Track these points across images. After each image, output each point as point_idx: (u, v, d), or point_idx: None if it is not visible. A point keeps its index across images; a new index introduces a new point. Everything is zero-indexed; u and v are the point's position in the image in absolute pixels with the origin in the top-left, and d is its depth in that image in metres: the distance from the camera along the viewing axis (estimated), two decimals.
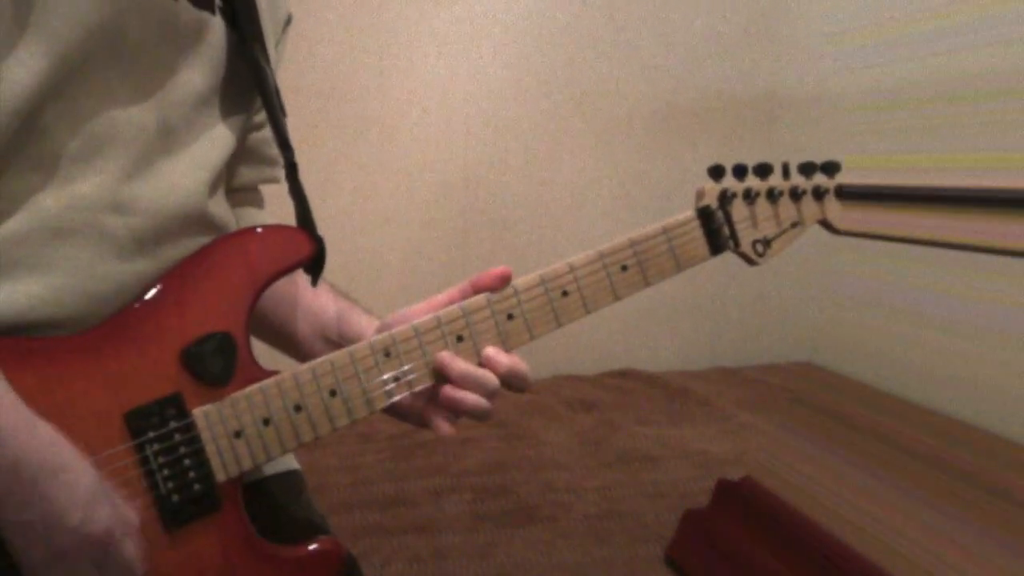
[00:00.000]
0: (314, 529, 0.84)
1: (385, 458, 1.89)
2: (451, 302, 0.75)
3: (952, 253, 1.99)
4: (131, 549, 0.62)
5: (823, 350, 2.59)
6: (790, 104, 2.75)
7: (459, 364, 0.73)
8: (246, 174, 0.87)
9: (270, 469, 0.85)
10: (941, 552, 1.27)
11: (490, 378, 0.72)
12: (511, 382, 0.74)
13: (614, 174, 2.69)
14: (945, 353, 2.03)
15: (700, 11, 2.69)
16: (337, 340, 0.83)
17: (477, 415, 0.73)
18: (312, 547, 0.73)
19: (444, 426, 0.75)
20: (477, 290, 0.75)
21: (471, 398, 0.72)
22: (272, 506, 0.82)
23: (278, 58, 0.85)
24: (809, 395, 2.30)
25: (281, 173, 0.82)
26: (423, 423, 0.76)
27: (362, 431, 2.02)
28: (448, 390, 0.73)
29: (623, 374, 2.53)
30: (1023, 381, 1.78)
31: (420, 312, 0.76)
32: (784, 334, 2.81)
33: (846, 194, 0.80)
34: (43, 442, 0.59)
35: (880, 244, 2.27)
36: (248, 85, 0.77)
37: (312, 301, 0.86)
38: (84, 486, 0.60)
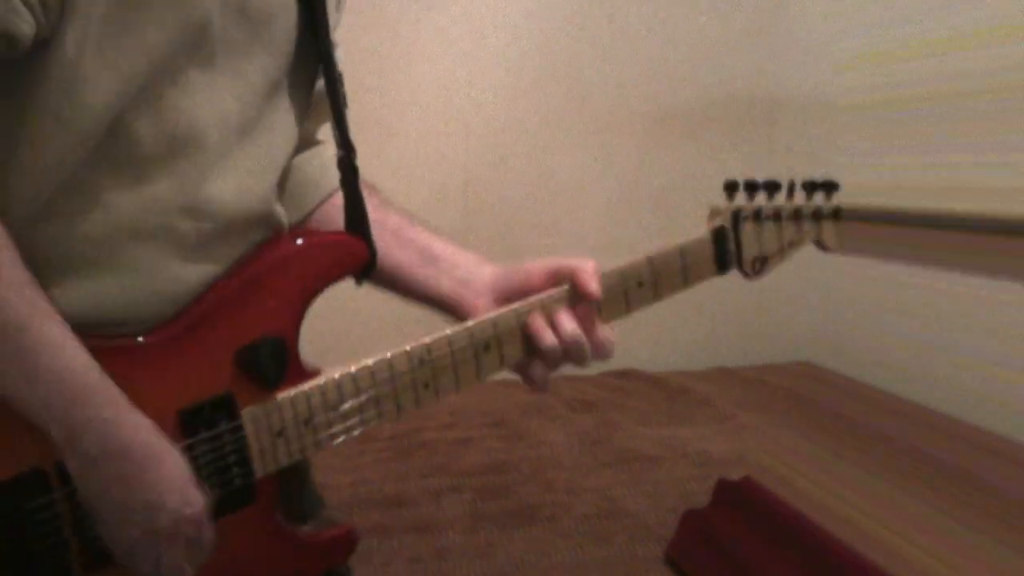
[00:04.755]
0: (318, 510, 0.88)
1: (385, 458, 1.89)
2: (554, 274, 0.78)
3: (951, 258, 2.00)
4: (212, 529, 0.66)
5: (823, 350, 2.59)
6: (790, 105, 2.75)
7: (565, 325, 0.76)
8: (309, 128, 0.85)
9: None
10: (940, 551, 1.27)
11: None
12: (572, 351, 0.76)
13: (614, 174, 2.69)
14: (944, 353, 2.03)
15: (700, 11, 2.69)
16: (448, 272, 0.84)
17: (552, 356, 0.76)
18: (332, 534, 0.77)
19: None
20: (569, 281, 0.77)
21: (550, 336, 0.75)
22: (284, 489, 0.83)
23: (338, 19, 0.82)
24: (809, 395, 2.31)
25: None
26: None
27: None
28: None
29: (623, 374, 2.53)
30: (1023, 381, 1.78)
31: (535, 270, 0.79)
32: (784, 334, 2.81)
33: (843, 216, 0.82)
34: (146, 430, 0.62)
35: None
36: (313, 71, 0.76)
37: (414, 234, 0.86)
38: (180, 470, 0.63)
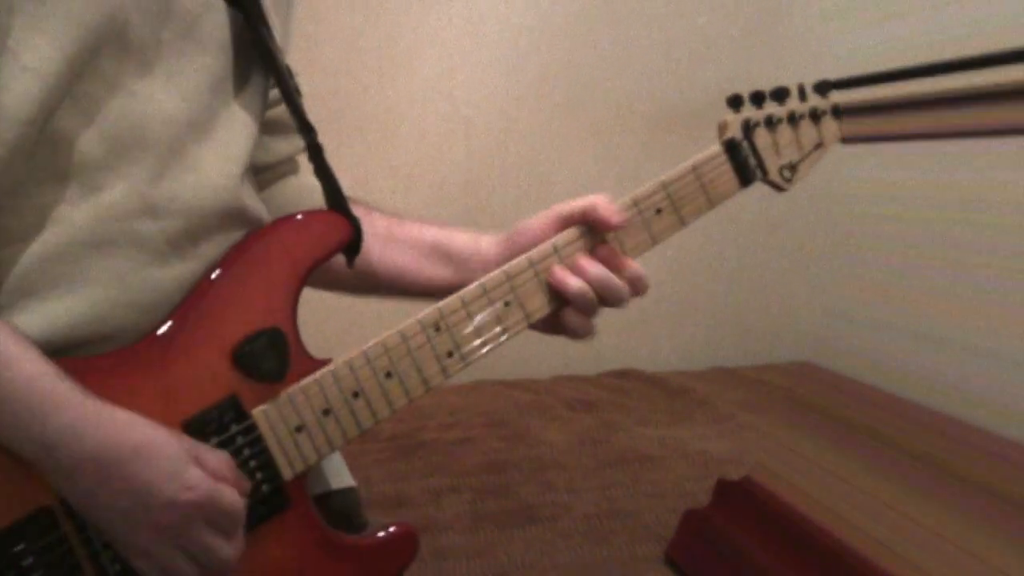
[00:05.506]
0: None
1: (385, 458, 1.89)
2: (560, 221, 0.76)
3: (951, 257, 2.00)
4: (229, 496, 0.61)
5: (823, 350, 2.59)
6: None
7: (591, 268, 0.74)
8: (281, 147, 0.84)
9: (333, 483, 0.83)
10: (941, 552, 1.27)
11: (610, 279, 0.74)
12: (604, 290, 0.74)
13: (614, 174, 2.69)
14: (945, 353, 2.03)
15: (700, 11, 2.69)
16: (447, 257, 0.82)
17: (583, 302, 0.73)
18: (388, 532, 0.72)
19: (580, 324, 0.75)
20: (585, 221, 0.75)
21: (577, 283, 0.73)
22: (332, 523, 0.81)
23: (287, 32, 0.81)
24: (809, 395, 2.31)
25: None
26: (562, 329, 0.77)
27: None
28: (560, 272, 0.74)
29: (623, 374, 2.53)
30: (1023, 381, 1.78)
31: (540, 224, 0.76)
32: (784, 334, 2.80)
33: (863, 109, 0.79)
34: (118, 426, 0.59)
35: (879, 246, 2.28)
36: (259, 67, 0.74)
37: (404, 231, 0.84)
38: (168, 455, 0.59)
